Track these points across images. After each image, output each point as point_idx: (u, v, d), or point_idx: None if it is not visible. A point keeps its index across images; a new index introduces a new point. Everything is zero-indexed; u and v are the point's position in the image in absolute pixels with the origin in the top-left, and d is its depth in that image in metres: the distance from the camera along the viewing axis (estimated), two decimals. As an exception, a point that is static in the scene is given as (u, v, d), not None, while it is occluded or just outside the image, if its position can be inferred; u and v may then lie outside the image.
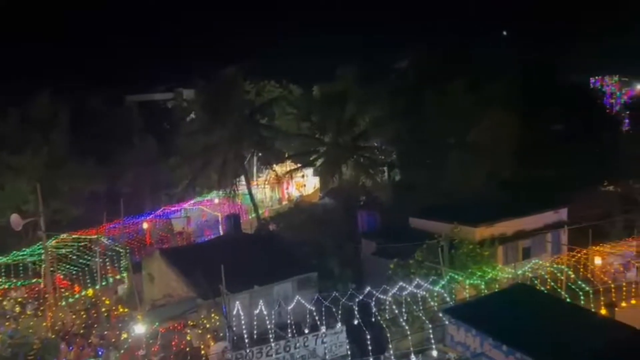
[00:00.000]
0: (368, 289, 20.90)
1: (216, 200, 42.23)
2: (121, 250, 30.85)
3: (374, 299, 20.57)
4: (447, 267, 22.25)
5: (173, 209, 41.08)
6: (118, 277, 30.13)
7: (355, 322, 20.23)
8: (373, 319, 20.32)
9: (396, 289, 20.88)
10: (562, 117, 37.68)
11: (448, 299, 21.31)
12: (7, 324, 24.59)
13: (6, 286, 27.66)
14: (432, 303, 20.70)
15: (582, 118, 37.55)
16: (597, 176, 37.21)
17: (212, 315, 21.48)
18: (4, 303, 26.97)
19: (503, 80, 37.25)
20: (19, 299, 27.33)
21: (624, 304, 23.91)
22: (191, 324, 21.93)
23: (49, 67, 54.39)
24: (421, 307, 20.49)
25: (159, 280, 25.04)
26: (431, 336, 18.96)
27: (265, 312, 20.01)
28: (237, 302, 20.40)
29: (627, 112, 53.19)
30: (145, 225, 37.52)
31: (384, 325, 20.15)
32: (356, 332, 20.02)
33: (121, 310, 25.61)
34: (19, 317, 25.50)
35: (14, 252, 28.19)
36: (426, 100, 37.69)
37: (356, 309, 20.18)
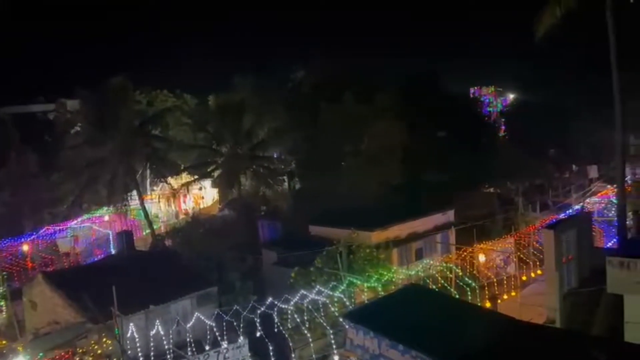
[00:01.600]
0: (270, 299, 20.81)
1: (106, 217, 39.84)
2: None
3: (275, 309, 20.52)
4: (346, 272, 22.77)
5: (58, 228, 38.12)
6: (-6, 306, 27.38)
7: (258, 334, 20.04)
8: (276, 330, 20.26)
9: (297, 297, 21.00)
10: (446, 124, 40.35)
11: (348, 303, 21.82)
12: None
13: None
14: (332, 309, 21.07)
15: (464, 125, 40.46)
16: (479, 179, 40.27)
17: (104, 339, 20.15)
18: None
19: (391, 91, 39.17)
20: None
21: (505, 296, 26.06)
22: (81, 351, 20.34)
23: None
24: (322, 314, 20.79)
25: (42, 307, 23.00)
26: (332, 342, 19.29)
27: (162, 332, 19.16)
28: (132, 324, 19.35)
29: (503, 120, 58.48)
30: (25, 248, 34.48)
31: (287, 335, 20.18)
32: (259, 344, 19.82)
33: (-2, 343, 23.24)
34: None
35: None
36: (321, 111, 38.59)
37: (258, 320, 19.99)
